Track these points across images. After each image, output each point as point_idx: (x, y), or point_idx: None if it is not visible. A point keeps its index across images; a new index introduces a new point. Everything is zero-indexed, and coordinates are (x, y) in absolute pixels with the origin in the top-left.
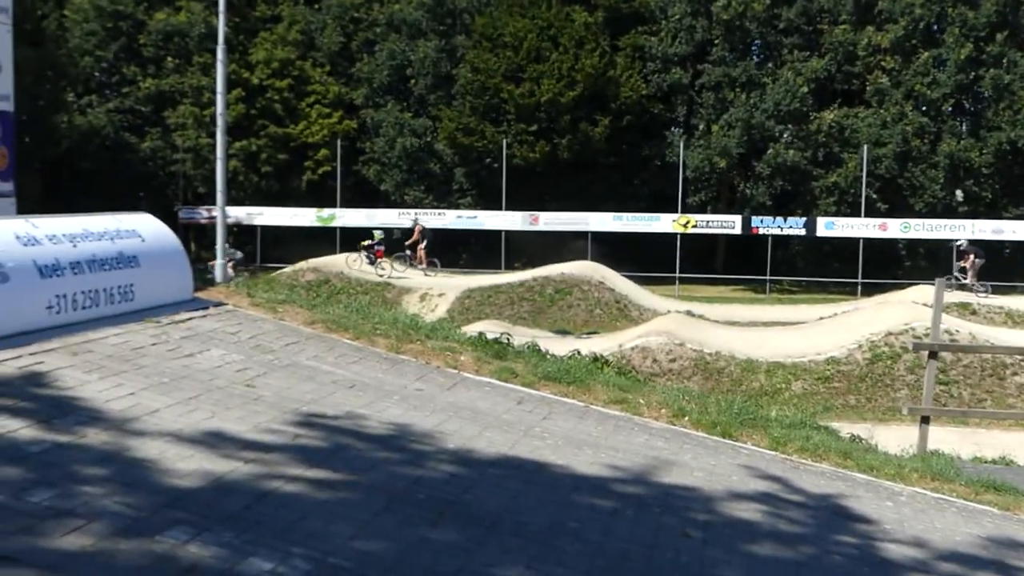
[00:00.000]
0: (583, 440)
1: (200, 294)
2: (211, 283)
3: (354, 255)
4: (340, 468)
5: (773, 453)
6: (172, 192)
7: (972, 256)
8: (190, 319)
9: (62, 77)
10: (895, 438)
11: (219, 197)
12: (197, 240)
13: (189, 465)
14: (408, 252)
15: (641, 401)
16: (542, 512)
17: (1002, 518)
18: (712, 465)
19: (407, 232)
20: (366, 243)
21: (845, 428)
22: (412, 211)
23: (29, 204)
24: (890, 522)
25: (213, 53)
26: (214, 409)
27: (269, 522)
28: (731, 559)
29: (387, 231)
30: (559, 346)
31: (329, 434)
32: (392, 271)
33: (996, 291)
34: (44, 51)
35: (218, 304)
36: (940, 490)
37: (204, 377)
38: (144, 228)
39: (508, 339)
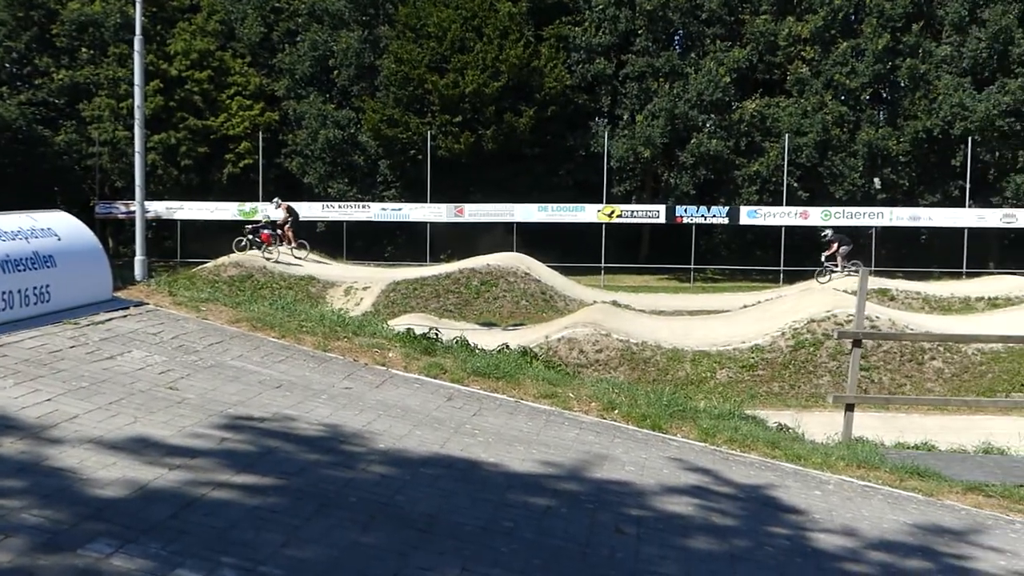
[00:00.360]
0: (514, 436)
1: (120, 293)
2: (131, 280)
3: (243, 241)
4: (269, 472)
5: (702, 445)
6: (88, 187)
7: (837, 244)
8: (110, 320)
9: None
10: (819, 424)
11: (138, 192)
12: (115, 236)
13: (111, 473)
14: (278, 232)
15: (571, 395)
16: (476, 512)
17: (926, 504)
18: (643, 459)
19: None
20: (250, 226)
21: (770, 415)
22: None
23: None
24: (819, 511)
25: (129, 43)
26: (136, 414)
27: (197, 531)
28: (666, 554)
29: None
30: (486, 338)
31: (256, 437)
32: (279, 255)
33: (913, 276)
34: None
35: (139, 304)
36: (866, 477)
37: (125, 380)
38: (60, 227)
39: (437, 334)
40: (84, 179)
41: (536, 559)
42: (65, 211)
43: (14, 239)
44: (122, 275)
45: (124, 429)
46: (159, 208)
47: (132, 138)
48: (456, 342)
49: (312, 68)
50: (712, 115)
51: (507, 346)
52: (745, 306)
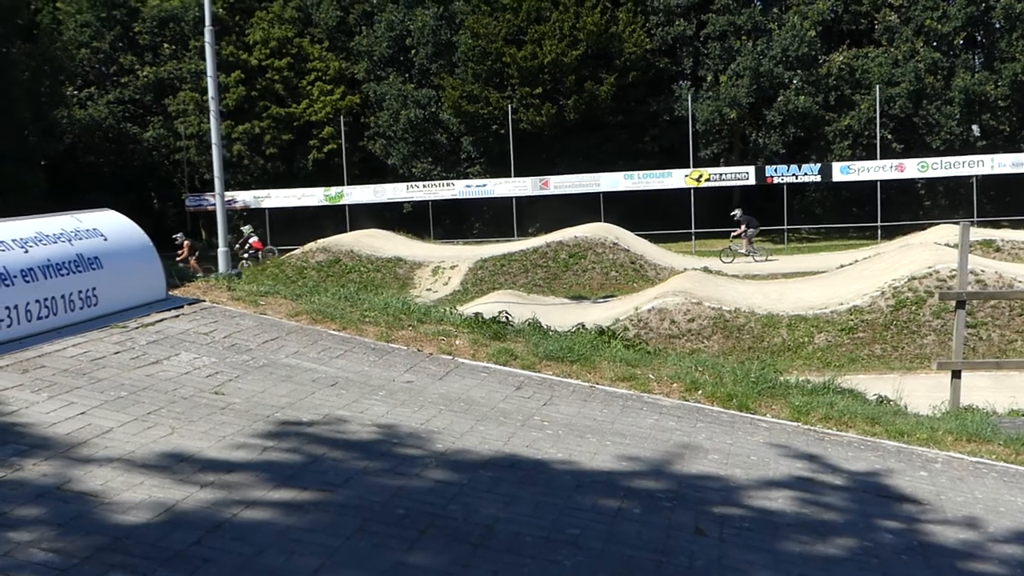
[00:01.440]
0: (587, 427)
1: (178, 291)
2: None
3: (244, 262)
4: (310, 485)
5: (795, 424)
6: (179, 180)
7: (745, 226)
8: (161, 321)
9: (59, 71)
10: (925, 388)
11: (217, 183)
12: (208, 228)
13: (137, 495)
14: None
15: (651, 376)
16: (538, 519)
17: None
18: (728, 445)
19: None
20: (239, 244)
21: (872, 380)
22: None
23: (34, 201)
24: (926, 496)
25: None
26: (175, 424)
27: (220, 559)
28: (752, 559)
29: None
30: (576, 312)
31: (302, 444)
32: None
33: (1019, 226)
34: (39, 46)
35: (194, 301)
36: (977, 452)
37: (168, 387)
38: (107, 226)
39: (507, 317)
40: (174, 173)
41: (602, 572)
42: (123, 209)
43: (56, 242)
44: (182, 273)
45: (159, 443)
46: (247, 197)
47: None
48: (528, 325)
49: (390, 49)
50: (798, 71)
51: (583, 326)
52: (842, 266)
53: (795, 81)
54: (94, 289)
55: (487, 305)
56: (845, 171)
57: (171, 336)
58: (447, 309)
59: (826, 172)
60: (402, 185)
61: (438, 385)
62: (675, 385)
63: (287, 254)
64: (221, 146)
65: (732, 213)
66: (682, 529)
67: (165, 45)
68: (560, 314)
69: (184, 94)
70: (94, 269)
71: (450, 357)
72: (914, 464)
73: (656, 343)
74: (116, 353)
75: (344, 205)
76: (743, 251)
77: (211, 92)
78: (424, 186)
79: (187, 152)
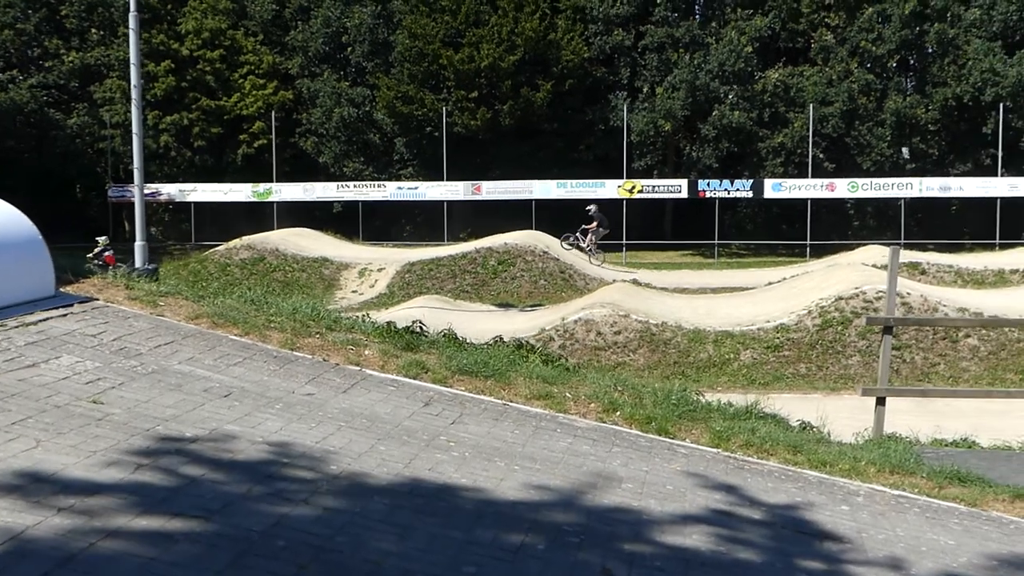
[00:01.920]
0: (496, 449)
1: (70, 288)
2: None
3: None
4: (183, 511)
5: (715, 451)
6: (102, 169)
7: (596, 223)
8: (45, 320)
9: None
10: (849, 409)
11: (136, 175)
12: (130, 220)
13: None
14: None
15: (568, 395)
16: (433, 554)
17: (970, 517)
18: (644, 472)
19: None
20: (92, 254)
21: (796, 400)
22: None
23: None
24: (847, 533)
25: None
26: (41, 436)
27: None
28: None
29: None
30: (502, 320)
31: (181, 462)
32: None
33: (945, 249)
34: None
35: (86, 300)
36: (900, 485)
37: (41, 394)
38: None
39: (421, 327)
40: (98, 162)
41: None
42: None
43: None
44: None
45: (19, 458)
46: (172, 191)
47: (143, 120)
48: (443, 335)
49: (325, 45)
50: (734, 86)
51: (500, 338)
52: (770, 283)
53: (730, 96)
54: None
55: (412, 310)
56: (777, 188)
57: (54, 337)
58: (359, 316)
59: (758, 188)
60: (332, 184)
61: (341, 399)
62: (592, 405)
63: (211, 250)
64: (142, 136)
65: (588, 208)
66: (588, 568)
67: (93, 30)
68: (486, 322)
69: (111, 82)
70: None
71: (357, 368)
72: (836, 497)
73: (581, 355)
74: None
75: (272, 202)
76: (584, 245)
77: (134, 80)
78: (355, 186)
79: (112, 141)
